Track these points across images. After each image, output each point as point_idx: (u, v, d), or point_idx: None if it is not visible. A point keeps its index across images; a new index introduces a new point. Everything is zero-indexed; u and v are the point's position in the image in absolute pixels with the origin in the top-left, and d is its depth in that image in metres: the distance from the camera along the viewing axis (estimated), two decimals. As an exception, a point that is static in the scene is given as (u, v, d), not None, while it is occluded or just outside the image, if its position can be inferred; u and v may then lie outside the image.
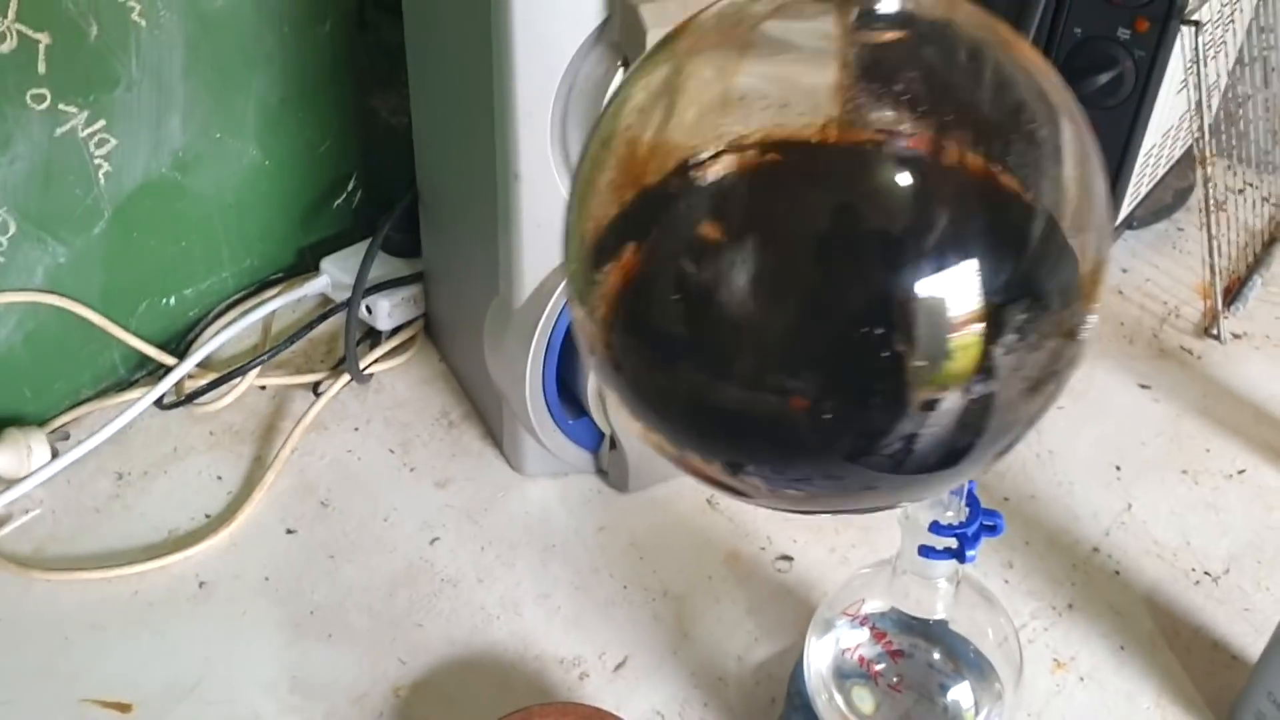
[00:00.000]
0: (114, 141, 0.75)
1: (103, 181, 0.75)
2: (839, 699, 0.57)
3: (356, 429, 0.80)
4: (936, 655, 0.56)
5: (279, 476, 0.76)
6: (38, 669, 0.65)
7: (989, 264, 0.27)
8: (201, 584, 0.70)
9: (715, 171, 0.29)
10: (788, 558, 0.72)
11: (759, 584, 0.71)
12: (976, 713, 0.55)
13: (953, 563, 0.53)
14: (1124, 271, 0.95)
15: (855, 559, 0.71)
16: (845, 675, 0.58)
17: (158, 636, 0.67)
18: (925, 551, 0.52)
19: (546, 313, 0.69)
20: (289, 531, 0.73)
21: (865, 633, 0.57)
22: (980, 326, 0.27)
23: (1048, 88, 0.29)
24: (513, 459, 0.77)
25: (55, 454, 0.75)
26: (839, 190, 0.28)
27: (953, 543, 0.51)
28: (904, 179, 0.29)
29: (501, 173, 0.68)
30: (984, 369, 0.28)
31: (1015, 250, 0.28)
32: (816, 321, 0.28)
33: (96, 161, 0.75)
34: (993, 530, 0.52)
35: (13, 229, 0.72)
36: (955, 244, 0.27)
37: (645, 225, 0.31)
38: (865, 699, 0.57)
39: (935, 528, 0.51)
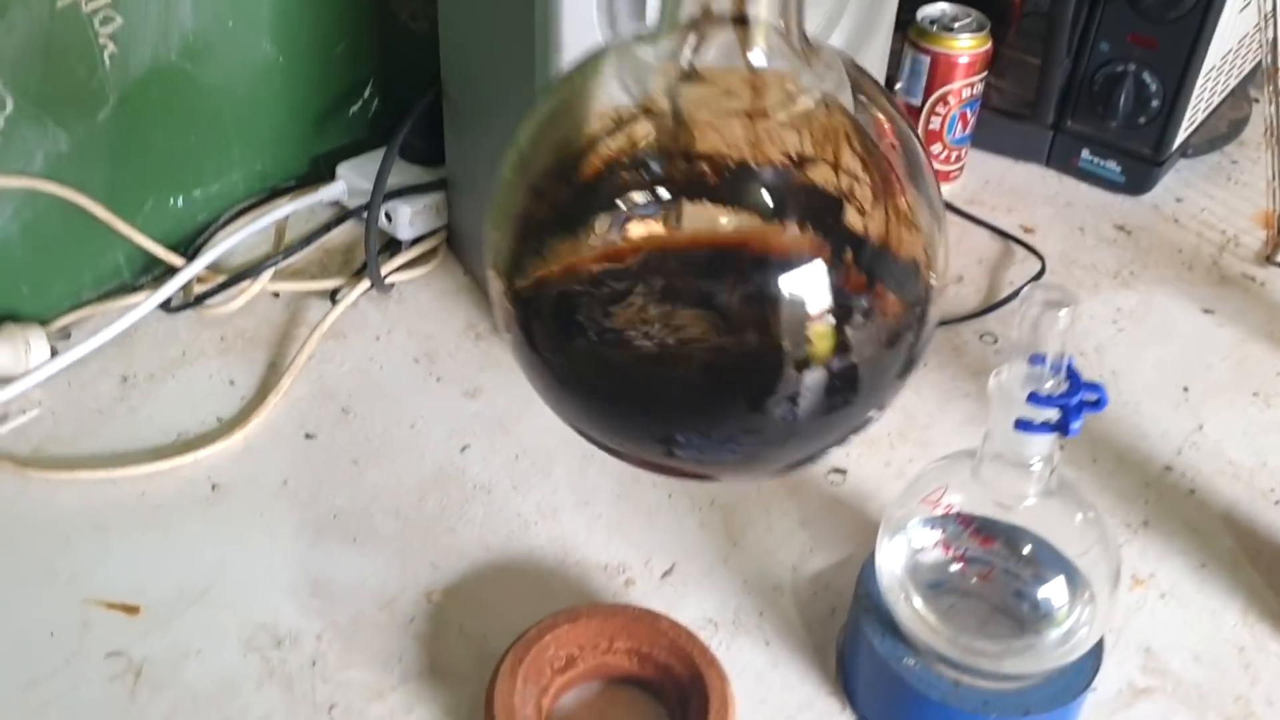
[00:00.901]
0: (120, 20, 0.70)
1: (108, 63, 0.70)
2: (916, 600, 0.52)
3: (377, 338, 0.75)
4: (1026, 549, 0.51)
5: (296, 382, 0.71)
6: (36, 569, 0.60)
7: (832, 269, 0.34)
8: (214, 486, 0.65)
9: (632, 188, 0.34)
10: (841, 471, 0.68)
11: (811, 496, 0.66)
12: (1068, 613, 0.51)
13: (1051, 440, 0.48)
14: (1179, 200, 0.91)
15: (912, 473, 0.67)
16: (920, 576, 0.53)
17: (166, 539, 0.62)
18: (1022, 426, 0.47)
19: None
20: (308, 436, 0.68)
21: (939, 533, 0.53)
22: (829, 317, 0.34)
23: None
24: (545, 368, 0.73)
25: (55, 353, 0.70)
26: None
27: (1053, 414, 0.47)
28: (764, 202, 0.35)
29: (541, 58, 0.63)
30: (840, 345, 0.35)
31: (852, 251, 0.35)
32: (711, 323, 0.35)
33: (101, 41, 0.69)
34: (1096, 405, 0.47)
35: (10, 106, 0.67)
36: (802, 256, 0.34)
37: (572, 227, 0.35)
38: (944, 599, 0.52)
39: (1034, 399, 0.46)
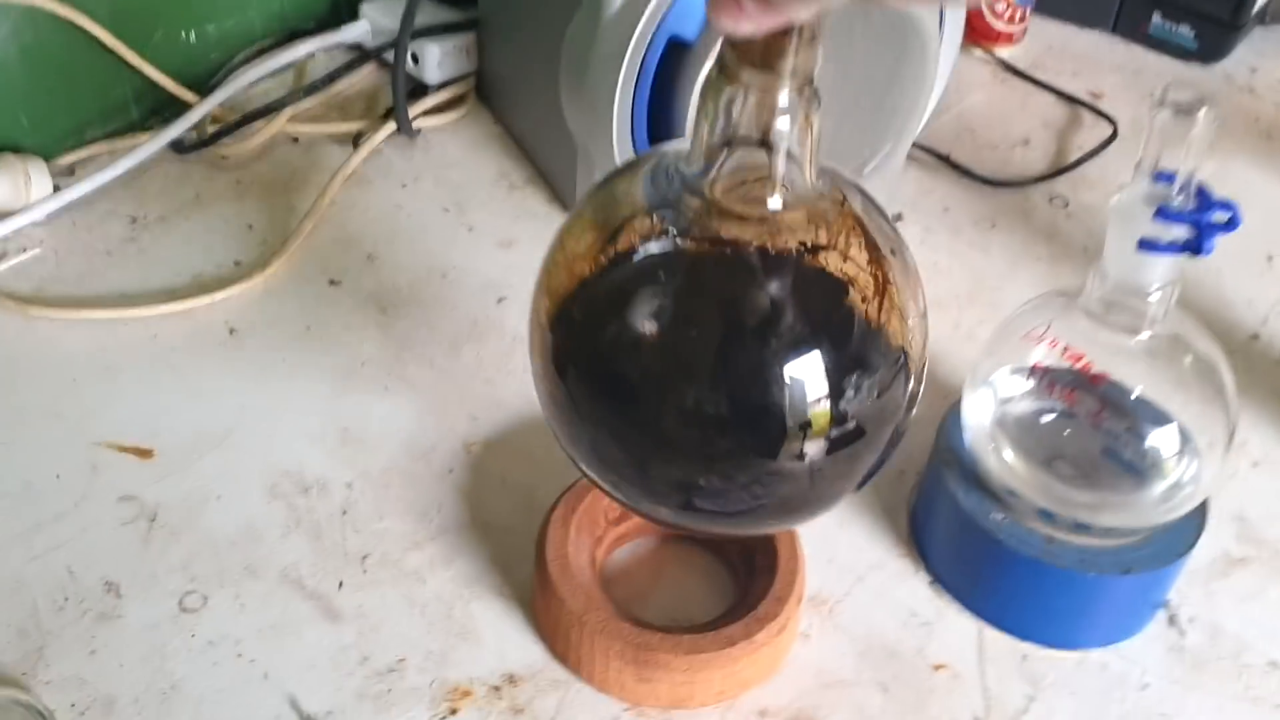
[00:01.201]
0: None
1: (112, -128, 0.64)
2: (1007, 453, 0.48)
3: (404, 186, 0.70)
4: (1133, 395, 0.47)
5: (318, 227, 0.66)
6: (40, 411, 0.55)
7: (829, 360, 0.37)
8: (232, 331, 0.60)
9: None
10: (907, 331, 0.63)
11: (875, 357, 0.62)
12: (1175, 466, 0.47)
13: (1174, 266, 0.43)
14: (1253, 71, 0.85)
15: (984, 337, 0.62)
16: (1011, 427, 0.49)
17: (181, 383, 0.58)
18: (1146, 246, 0.42)
19: (643, 23, 0.59)
20: (332, 283, 0.63)
21: (1032, 382, 0.48)
22: (827, 400, 0.37)
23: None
24: (586, 220, 0.67)
25: (57, 189, 0.65)
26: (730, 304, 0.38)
27: (1183, 232, 0.42)
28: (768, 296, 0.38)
29: None
30: (837, 418, 0.38)
31: (846, 346, 0.38)
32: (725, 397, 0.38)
33: None
34: (1228, 225, 0.42)
35: (7, -88, 0.61)
36: (805, 348, 0.37)
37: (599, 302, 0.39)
38: (1038, 450, 0.48)
39: (1163, 214, 0.42)
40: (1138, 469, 0.47)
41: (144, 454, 0.54)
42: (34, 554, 0.50)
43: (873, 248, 0.38)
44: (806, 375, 0.36)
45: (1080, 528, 0.47)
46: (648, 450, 0.39)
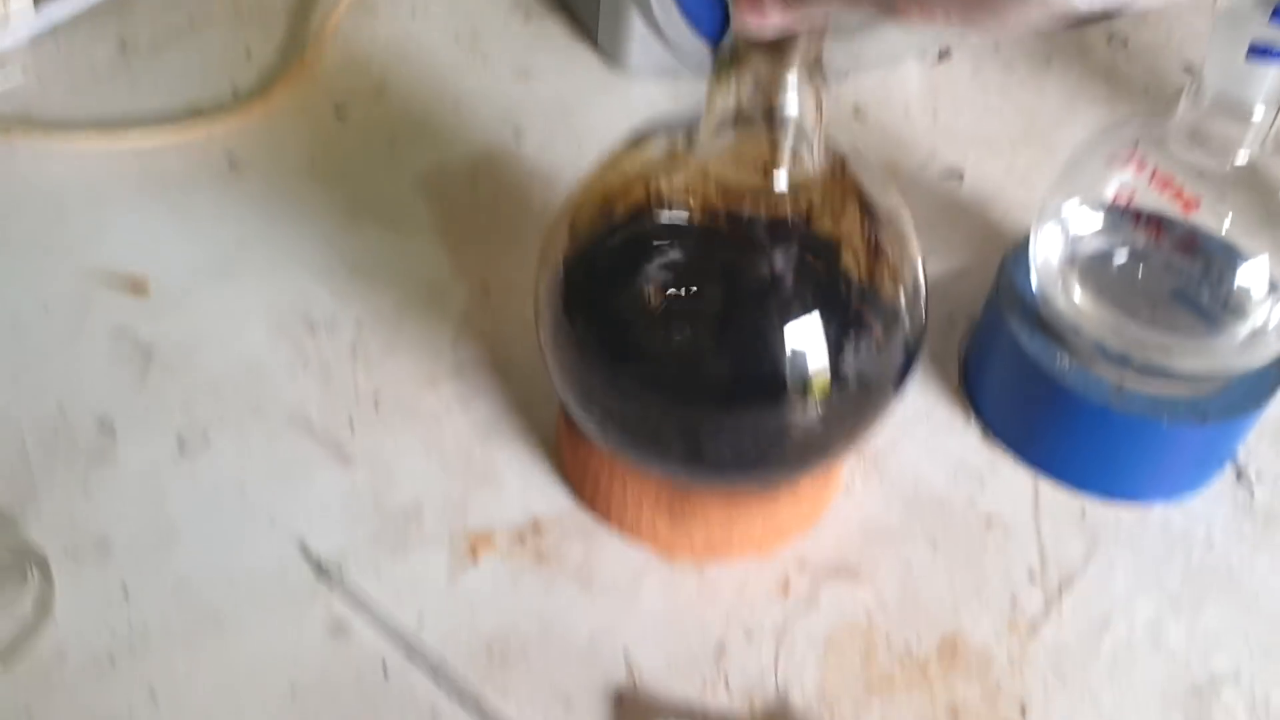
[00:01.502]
0: None
1: None
2: (1077, 292, 0.44)
3: (413, 13, 0.65)
4: (1223, 226, 0.42)
5: (322, 55, 0.61)
6: (26, 242, 0.52)
7: (830, 317, 0.37)
8: (231, 163, 0.56)
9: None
10: (958, 174, 0.59)
11: (921, 197, 0.57)
12: (1262, 308, 0.43)
13: (1284, 79, 0.39)
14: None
15: (1037, 181, 0.58)
16: (1083, 265, 0.45)
17: (177, 215, 0.53)
18: (1258, 53, 0.38)
19: None
20: (338, 114, 0.59)
21: (1107, 216, 0.44)
22: (826, 367, 0.37)
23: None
24: (610, 50, 0.62)
25: (38, 5, 0.60)
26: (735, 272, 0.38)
27: (1297, 42, 0.37)
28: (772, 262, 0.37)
29: None
30: (838, 380, 0.37)
31: (847, 311, 0.38)
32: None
33: None
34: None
35: None
36: (807, 307, 0.37)
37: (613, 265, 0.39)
38: (1111, 289, 0.44)
39: None
40: (1219, 312, 0.43)
41: (139, 289, 0.50)
42: (22, 391, 0.46)
43: (870, 213, 0.39)
44: (807, 334, 0.37)
45: (1153, 373, 0.43)
46: (650, 395, 0.38)
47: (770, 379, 0.37)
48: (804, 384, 0.37)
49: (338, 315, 0.50)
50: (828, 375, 0.37)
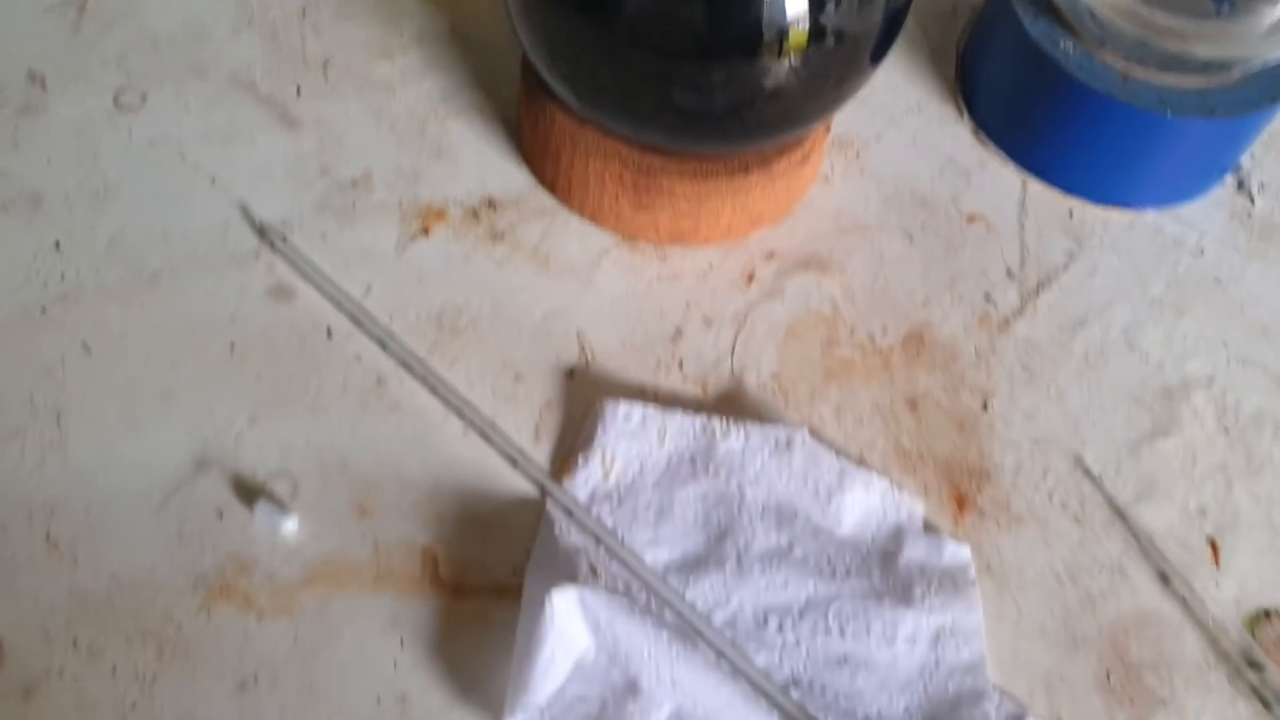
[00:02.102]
0: None
1: None
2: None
3: None
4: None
5: None
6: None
7: None
8: None
9: None
10: None
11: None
12: (1287, -8, 0.39)
13: None
14: None
15: None
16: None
17: None
18: None
19: None
20: None
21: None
22: (805, 16, 0.34)
23: None
24: None
25: None
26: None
27: None
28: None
29: None
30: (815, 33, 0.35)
31: None
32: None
33: None
34: None
35: None
36: None
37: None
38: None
39: None
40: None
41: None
42: (-55, 38, 0.43)
43: None
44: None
45: (1164, 63, 0.40)
46: (622, 42, 0.35)
47: (746, 25, 0.34)
48: (781, 33, 0.34)
49: (287, -26, 0.46)
50: (806, 26, 0.34)
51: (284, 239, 0.40)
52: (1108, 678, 0.34)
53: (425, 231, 0.41)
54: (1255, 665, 0.35)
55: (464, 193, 0.42)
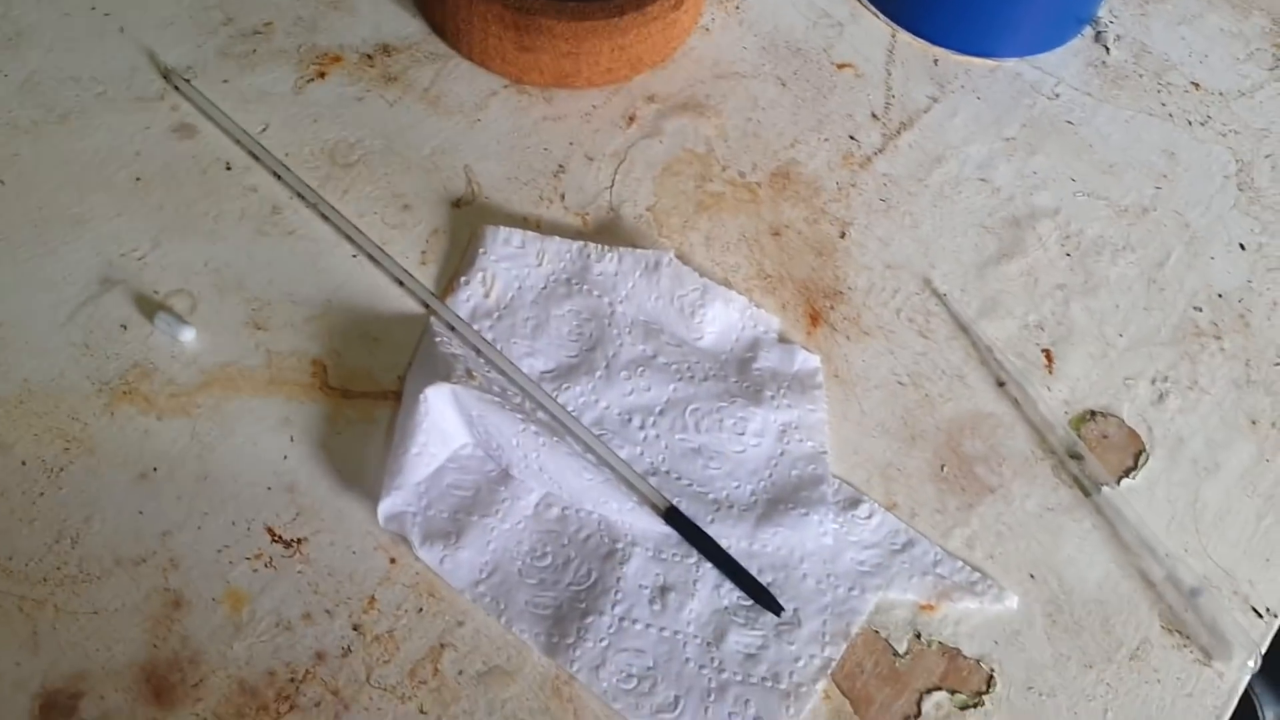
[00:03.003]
0: None
1: None
2: None
3: None
4: None
5: None
6: None
7: None
8: None
9: None
10: None
11: None
12: None
13: None
14: None
15: None
16: None
17: None
18: None
19: None
20: None
21: None
22: None
23: None
24: None
25: None
26: None
27: None
28: None
29: None
30: None
31: None
32: None
33: None
34: None
35: None
36: None
37: None
38: None
39: None
40: None
41: None
42: None
43: None
44: None
45: (1014, -89, 0.42)
46: None
47: None
48: None
49: None
50: None
51: (187, 81, 0.42)
52: (942, 469, 0.38)
53: (321, 75, 0.43)
54: (1076, 457, 0.38)
55: (359, 39, 0.44)
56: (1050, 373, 0.40)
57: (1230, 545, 0.37)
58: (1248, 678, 0.36)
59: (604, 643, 0.35)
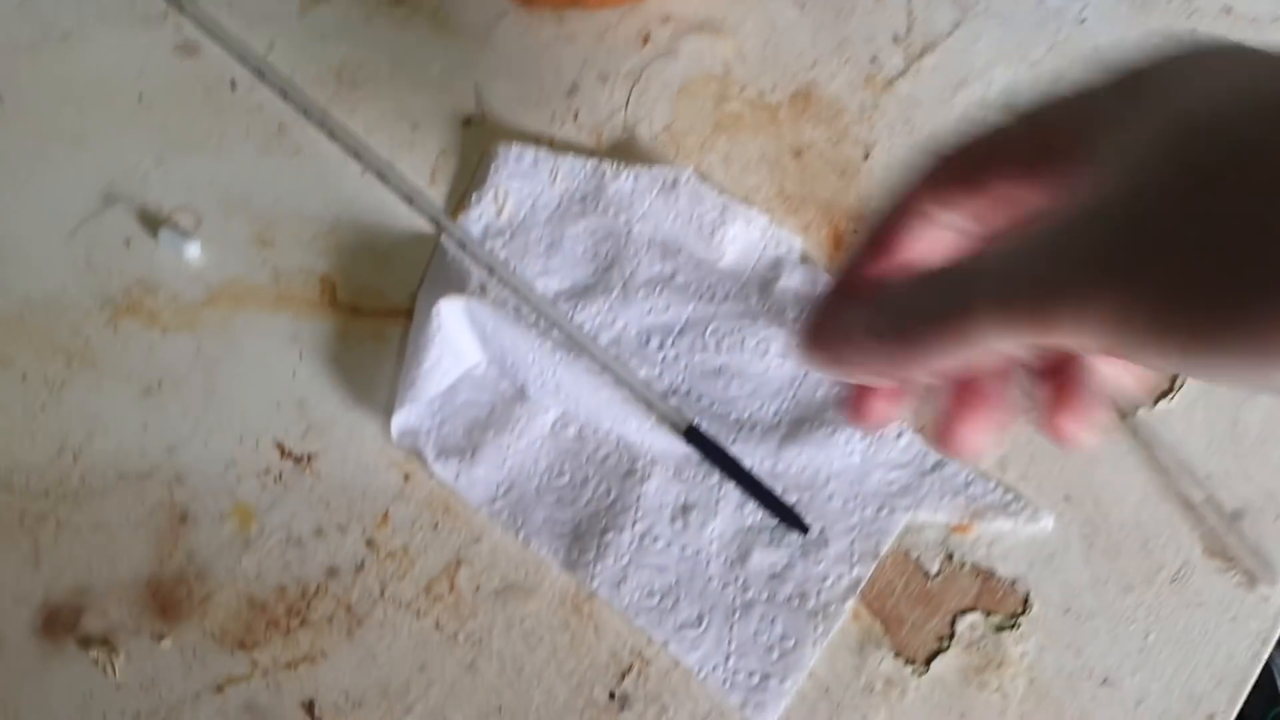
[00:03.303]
0: None
1: None
2: None
3: None
4: None
5: None
6: None
7: None
8: None
9: None
10: None
11: None
12: None
13: None
14: None
15: None
16: None
17: None
18: None
19: None
20: None
21: None
22: None
23: None
24: None
25: None
26: None
27: None
28: None
29: None
30: None
31: None
32: None
33: None
34: None
35: None
36: None
37: None
38: None
39: None
40: None
41: None
42: None
43: None
44: None
45: None
46: None
47: None
48: None
49: None
50: None
51: (191, 1, 0.41)
52: (970, 389, 0.37)
53: None
54: (1108, 377, 0.37)
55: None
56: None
57: (1273, 468, 0.36)
58: (1289, 599, 0.34)
59: (625, 559, 0.33)
